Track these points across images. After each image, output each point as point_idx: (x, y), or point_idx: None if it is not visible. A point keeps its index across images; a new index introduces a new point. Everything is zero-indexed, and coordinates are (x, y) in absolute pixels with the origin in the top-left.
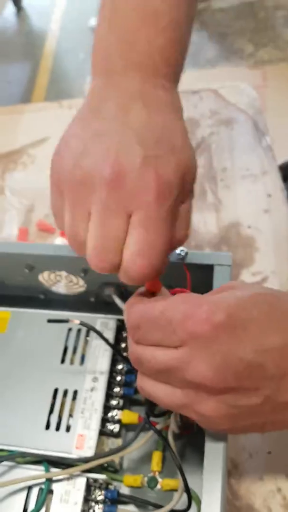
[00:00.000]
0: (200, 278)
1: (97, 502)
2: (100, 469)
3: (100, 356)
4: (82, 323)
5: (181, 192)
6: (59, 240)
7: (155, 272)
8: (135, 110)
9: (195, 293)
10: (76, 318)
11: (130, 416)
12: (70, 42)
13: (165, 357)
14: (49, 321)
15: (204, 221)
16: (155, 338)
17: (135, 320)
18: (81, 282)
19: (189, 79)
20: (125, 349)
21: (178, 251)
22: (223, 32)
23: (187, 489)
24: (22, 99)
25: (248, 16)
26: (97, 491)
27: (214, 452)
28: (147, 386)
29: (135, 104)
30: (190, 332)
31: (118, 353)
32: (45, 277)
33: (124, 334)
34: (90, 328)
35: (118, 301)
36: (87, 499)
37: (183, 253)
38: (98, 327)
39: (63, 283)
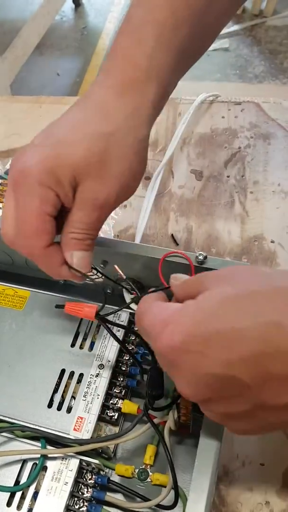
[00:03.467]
0: None
1: (87, 485)
2: (94, 454)
3: (109, 345)
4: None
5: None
6: None
7: None
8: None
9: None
10: None
11: (130, 406)
12: None
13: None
14: (57, 306)
15: (228, 230)
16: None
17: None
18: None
19: (234, 90)
20: (133, 342)
21: (197, 254)
22: (274, 50)
23: (175, 486)
24: (69, 93)
25: None
26: (88, 474)
27: (206, 453)
28: None
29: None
30: (161, 353)
31: (123, 347)
32: None
33: (136, 328)
34: (101, 323)
35: (126, 295)
36: (77, 481)
37: (201, 257)
38: (110, 318)
39: None
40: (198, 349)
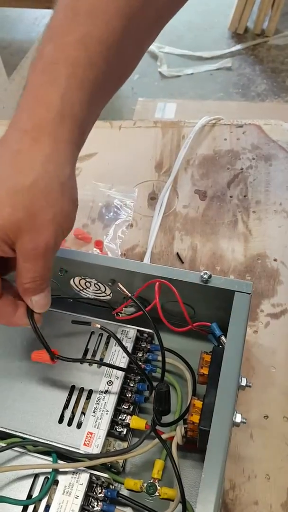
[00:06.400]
0: (220, 302)
1: (97, 499)
2: (103, 468)
3: (117, 362)
4: (102, 328)
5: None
6: (94, 250)
7: None
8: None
9: None
10: (99, 324)
11: (138, 422)
12: None
13: None
14: (73, 322)
15: (232, 249)
16: None
17: None
18: (108, 291)
19: (235, 109)
20: (140, 359)
21: (201, 273)
22: (276, 68)
23: (183, 500)
24: None
25: None
26: (98, 488)
27: (212, 467)
28: None
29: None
30: None
31: (132, 360)
32: (76, 282)
33: (143, 345)
34: (109, 333)
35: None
36: (88, 495)
37: (206, 276)
38: (118, 335)
39: (91, 290)
40: None
